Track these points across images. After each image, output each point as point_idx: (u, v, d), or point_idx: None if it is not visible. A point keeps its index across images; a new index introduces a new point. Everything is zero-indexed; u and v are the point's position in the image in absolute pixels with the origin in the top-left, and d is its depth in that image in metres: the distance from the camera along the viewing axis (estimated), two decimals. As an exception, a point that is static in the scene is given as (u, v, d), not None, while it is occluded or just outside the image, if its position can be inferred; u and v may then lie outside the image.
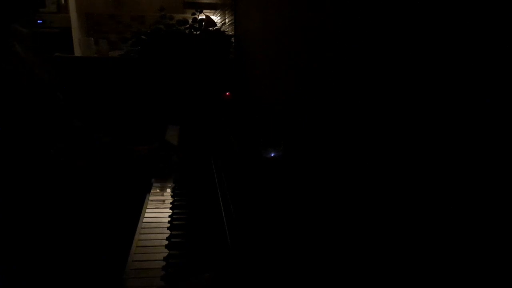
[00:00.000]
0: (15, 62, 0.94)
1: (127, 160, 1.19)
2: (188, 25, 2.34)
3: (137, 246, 0.86)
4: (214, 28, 2.37)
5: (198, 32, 2.32)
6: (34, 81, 0.98)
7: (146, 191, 1.16)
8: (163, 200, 1.11)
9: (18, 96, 0.91)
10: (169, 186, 1.21)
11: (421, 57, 0.50)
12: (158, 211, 1.04)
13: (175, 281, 0.75)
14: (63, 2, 3.38)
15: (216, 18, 2.80)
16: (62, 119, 1.05)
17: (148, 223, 0.97)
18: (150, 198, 1.12)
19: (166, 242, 0.88)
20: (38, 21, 3.32)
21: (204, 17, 2.39)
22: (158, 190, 1.19)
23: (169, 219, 0.99)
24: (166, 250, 0.84)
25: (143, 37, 2.24)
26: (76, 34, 3.43)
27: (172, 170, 1.31)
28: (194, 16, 2.41)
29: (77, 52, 3.30)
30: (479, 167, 0.42)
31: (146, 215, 1.01)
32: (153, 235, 0.91)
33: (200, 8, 2.58)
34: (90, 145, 1.13)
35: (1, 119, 0.87)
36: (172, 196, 1.13)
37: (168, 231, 0.93)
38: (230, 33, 2.33)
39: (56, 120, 1.01)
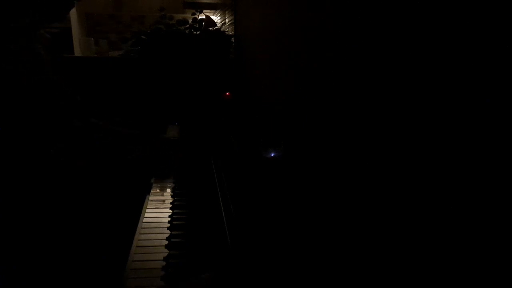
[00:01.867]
0: (37, 63, 0.97)
1: (126, 159, 1.20)
2: (188, 25, 2.34)
3: (137, 246, 0.86)
4: (214, 28, 2.37)
5: (198, 32, 2.32)
6: (52, 81, 1.00)
7: (145, 192, 1.16)
8: (163, 200, 1.11)
9: (36, 96, 0.93)
10: (169, 186, 1.21)
11: (421, 57, 0.50)
12: (158, 211, 1.04)
13: (175, 281, 0.75)
14: (63, 2, 3.38)
15: (216, 18, 2.80)
16: (77, 119, 1.06)
17: (148, 223, 0.97)
18: (150, 198, 1.12)
19: (166, 242, 0.88)
20: (38, 21, 3.31)
21: (204, 17, 2.39)
22: (158, 190, 1.19)
23: (169, 219, 0.99)
24: (166, 250, 0.84)
25: (143, 37, 2.23)
26: (76, 34, 3.43)
27: (172, 170, 1.31)
28: (194, 16, 2.41)
29: (77, 52, 3.30)
30: (478, 167, 0.42)
31: (146, 215, 1.01)
32: (153, 235, 0.91)
33: (200, 8, 2.58)
34: (90, 145, 1.13)
35: (18, 117, 0.89)
36: (172, 196, 1.13)
37: (168, 231, 0.93)
38: (230, 33, 2.33)
39: (65, 120, 1.02)
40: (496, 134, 0.39)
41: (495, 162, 0.40)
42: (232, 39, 2.29)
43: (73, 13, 3.42)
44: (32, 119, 0.93)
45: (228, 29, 2.43)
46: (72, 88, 1.12)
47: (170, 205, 1.07)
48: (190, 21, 2.36)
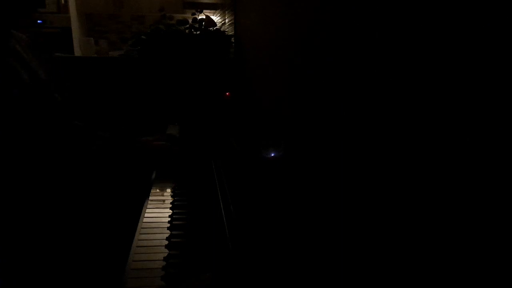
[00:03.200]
0: (15, 61, 0.95)
1: (133, 150, 1.19)
2: (188, 25, 2.34)
3: (137, 246, 0.86)
4: (214, 28, 2.37)
5: (198, 32, 2.32)
6: (33, 79, 0.98)
7: (145, 192, 1.15)
8: (163, 200, 1.11)
9: (16, 94, 0.91)
10: (169, 186, 1.21)
11: (420, 58, 0.50)
12: (158, 211, 1.04)
13: (175, 281, 0.75)
14: (63, 2, 3.38)
15: (216, 18, 2.80)
16: (58, 118, 1.04)
17: (148, 223, 0.97)
18: (150, 198, 1.12)
19: (166, 242, 0.88)
20: (38, 21, 3.32)
21: (204, 17, 2.39)
22: (158, 190, 1.19)
23: (169, 219, 0.99)
24: (166, 250, 0.84)
25: (143, 37, 2.23)
26: (76, 34, 3.43)
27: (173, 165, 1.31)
28: (194, 16, 2.41)
29: (77, 52, 3.30)
30: (477, 168, 0.42)
31: (146, 215, 1.01)
32: (153, 235, 0.91)
33: (200, 8, 2.58)
34: (91, 144, 1.12)
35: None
36: (172, 196, 1.13)
37: (168, 231, 0.93)
38: (230, 33, 2.33)
39: (50, 119, 1.00)
40: (495, 135, 0.39)
41: (494, 162, 0.39)
42: (232, 39, 2.29)
43: (73, 13, 3.43)
44: (25, 117, 0.92)
45: (228, 29, 2.43)
46: (58, 88, 1.10)
47: (170, 205, 1.07)
48: (190, 21, 2.36)
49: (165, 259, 0.81)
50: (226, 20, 2.53)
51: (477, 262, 0.42)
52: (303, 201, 0.83)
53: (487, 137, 0.40)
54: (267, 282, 0.64)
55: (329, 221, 0.74)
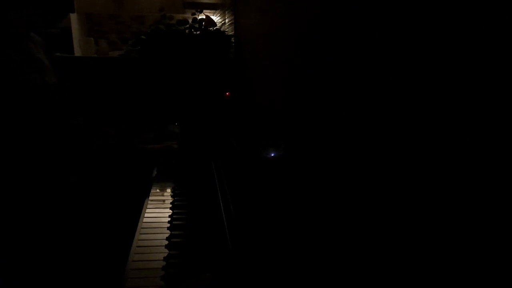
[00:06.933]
0: (32, 62, 0.97)
1: (138, 157, 1.19)
2: (188, 25, 2.34)
3: (137, 246, 0.86)
4: (214, 28, 2.37)
5: (198, 32, 2.32)
6: (47, 81, 1.00)
7: (145, 194, 1.15)
8: (163, 200, 1.11)
9: (32, 94, 0.93)
10: (169, 186, 1.21)
11: (420, 58, 0.50)
12: (158, 211, 1.04)
13: (175, 281, 0.75)
14: (63, 2, 3.38)
15: (216, 18, 2.80)
16: (57, 118, 1.05)
17: (148, 223, 0.97)
18: (150, 198, 1.12)
19: (166, 242, 0.88)
20: (38, 21, 3.31)
21: (204, 17, 2.39)
22: (158, 190, 1.19)
23: (169, 219, 0.99)
24: (166, 250, 0.84)
25: (143, 37, 2.23)
26: (76, 34, 3.43)
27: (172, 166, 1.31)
28: (194, 16, 2.41)
29: (77, 52, 3.30)
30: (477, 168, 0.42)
31: (146, 215, 1.01)
32: (153, 235, 0.91)
33: (200, 8, 2.58)
34: (91, 144, 1.12)
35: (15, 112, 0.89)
36: (172, 196, 1.13)
37: (168, 231, 0.93)
38: (230, 33, 2.33)
39: (50, 119, 1.01)
40: (495, 135, 0.39)
41: (494, 162, 0.39)
42: (232, 39, 2.29)
43: (73, 13, 3.42)
44: (17, 120, 0.93)
45: (228, 29, 2.43)
46: (68, 89, 1.11)
47: (170, 205, 1.07)
48: (190, 21, 2.36)
49: (165, 259, 0.81)
50: (226, 20, 2.53)
51: (476, 262, 0.42)
52: (303, 201, 0.83)
53: (486, 137, 0.40)
54: (266, 282, 0.64)
55: (328, 220, 0.74)
